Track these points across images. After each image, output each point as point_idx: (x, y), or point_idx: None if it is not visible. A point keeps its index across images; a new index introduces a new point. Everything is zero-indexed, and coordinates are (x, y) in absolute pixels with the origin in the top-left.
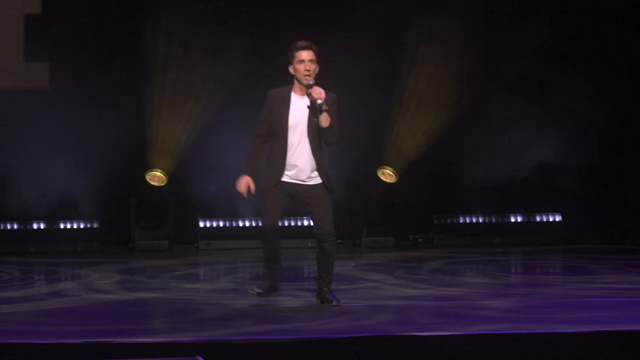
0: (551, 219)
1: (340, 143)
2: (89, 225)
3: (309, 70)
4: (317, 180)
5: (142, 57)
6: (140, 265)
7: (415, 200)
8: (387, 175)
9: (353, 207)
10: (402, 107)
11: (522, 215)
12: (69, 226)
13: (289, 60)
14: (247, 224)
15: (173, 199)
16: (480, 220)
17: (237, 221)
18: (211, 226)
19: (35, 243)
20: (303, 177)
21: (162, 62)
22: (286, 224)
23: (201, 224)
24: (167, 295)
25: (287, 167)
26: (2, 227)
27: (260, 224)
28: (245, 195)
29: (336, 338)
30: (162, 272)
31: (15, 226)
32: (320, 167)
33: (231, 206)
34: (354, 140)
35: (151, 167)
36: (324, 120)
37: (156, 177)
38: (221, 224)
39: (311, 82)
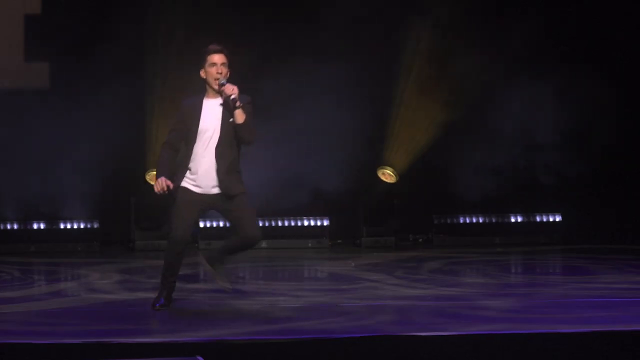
0: (551, 219)
1: (255, 141)
2: (89, 225)
3: (220, 74)
4: (218, 190)
5: (143, 58)
6: (140, 265)
7: (415, 200)
8: (387, 175)
9: (353, 207)
10: (402, 107)
11: (522, 216)
12: (69, 226)
13: (200, 63)
14: None
15: (173, 199)
16: (480, 220)
17: None
18: (211, 226)
19: (35, 243)
20: (208, 184)
21: (163, 62)
22: (286, 224)
23: (201, 224)
24: None
25: (191, 172)
26: (2, 227)
27: (173, 233)
28: (165, 190)
29: (336, 338)
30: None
31: (15, 226)
32: (225, 174)
33: None
34: (353, 140)
35: (151, 168)
36: (239, 116)
37: None
38: (221, 224)
39: (223, 82)
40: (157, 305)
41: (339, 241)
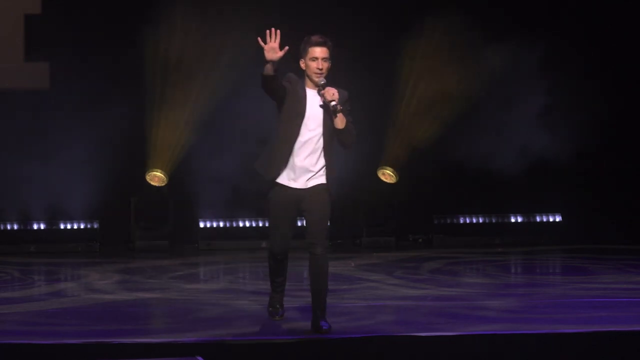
0: (551, 219)
1: (354, 144)
2: (89, 226)
3: (321, 69)
4: (319, 181)
5: (142, 57)
6: (140, 265)
7: (415, 201)
8: (387, 175)
9: (353, 207)
10: (403, 106)
11: (522, 216)
12: (69, 226)
13: (300, 53)
14: (247, 224)
15: (173, 199)
16: (481, 220)
17: (237, 221)
18: (211, 226)
19: (35, 243)
20: (305, 178)
21: (163, 62)
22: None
23: (201, 224)
24: (167, 296)
25: (289, 165)
26: (2, 228)
27: (271, 247)
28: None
29: (336, 338)
30: (162, 272)
31: (15, 226)
32: (329, 169)
33: (231, 206)
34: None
35: (151, 167)
36: (340, 121)
37: (156, 177)
38: (221, 224)
39: (322, 82)
40: (277, 316)
41: (338, 241)
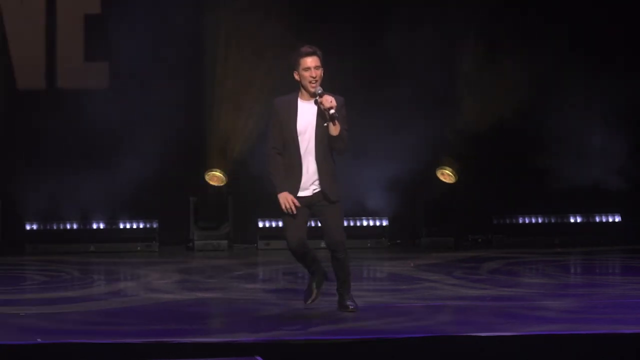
0: (610, 220)
1: (348, 149)
2: (148, 225)
3: (314, 77)
4: (319, 187)
5: (203, 57)
6: (199, 265)
7: (474, 201)
8: (446, 175)
9: (412, 207)
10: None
11: (582, 216)
12: (128, 226)
13: (292, 65)
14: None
15: (232, 199)
16: (540, 220)
17: None
18: (270, 226)
19: (95, 243)
20: (310, 184)
21: (222, 61)
22: (345, 224)
23: (260, 224)
24: (226, 295)
25: (302, 175)
26: (61, 227)
27: (289, 245)
28: (294, 210)
29: (395, 338)
30: (221, 272)
31: (75, 226)
32: (326, 175)
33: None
34: (412, 139)
35: (210, 167)
36: (335, 129)
37: (215, 177)
38: (280, 224)
39: (319, 91)
40: (308, 300)
41: (397, 241)
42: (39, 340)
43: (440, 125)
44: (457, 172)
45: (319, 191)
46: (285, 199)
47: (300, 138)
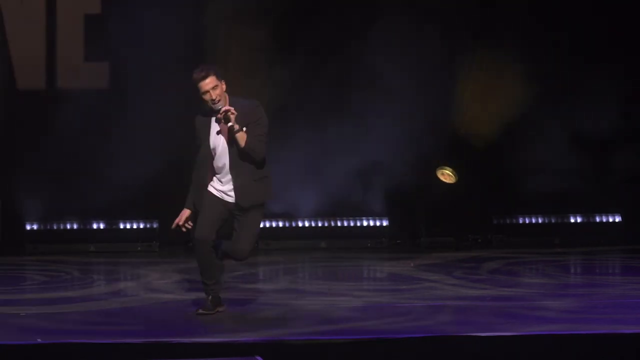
0: (611, 220)
1: (262, 157)
2: (148, 225)
3: (214, 99)
4: (233, 200)
5: (203, 57)
6: None
7: (474, 201)
8: (446, 175)
9: (412, 207)
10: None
11: (582, 216)
12: (128, 226)
13: (196, 94)
14: (307, 224)
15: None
16: (540, 220)
17: (296, 221)
18: (270, 226)
19: (95, 243)
20: (226, 193)
21: (222, 64)
22: (345, 224)
23: (260, 224)
24: (226, 295)
25: (216, 183)
26: (62, 227)
27: (195, 233)
28: (181, 227)
29: (395, 338)
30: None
31: (75, 226)
32: (241, 187)
33: (289, 206)
34: (413, 139)
35: None
36: (241, 140)
37: None
38: (280, 224)
39: (219, 108)
40: (199, 309)
41: (398, 241)
42: (39, 340)
43: (441, 125)
44: (457, 172)
45: (233, 202)
46: (182, 216)
47: (213, 152)
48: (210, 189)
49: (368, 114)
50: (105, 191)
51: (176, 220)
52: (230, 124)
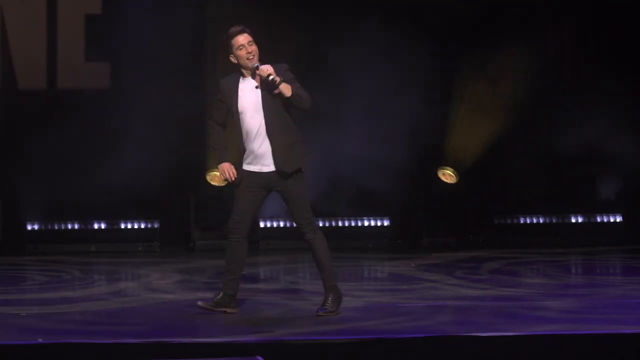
0: (612, 220)
1: (312, 106)
2: (149, 226)
3: (250, 53)
4: (273, 167)
5: (203, 57)
6: (200, 265)
7: (475, 201)
8: (447, 175)
9: (413, 207)
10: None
11: (583, 216)
12: (129, 226)
13: (227, 50)
14: None
15: (231, 199)
16: (541, 220)
17: None
18: (271, 226)
19: (96, 243)
20: (264, 163)
21: (222, 62)
22: (346, 224)
23: (261, 224)
24: None
25: (246, 155)
26: (62, 227)
27: (230, 220)
28: (233, 178)
29: (395, 338)
30: (222, 272)
31: (76, 226)
32: (281, 150)
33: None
34: (414, 139)
35: (211, 168)
36: (286, 90)
37: (216, 177)
38: (281, 224)
39: (256, 65)
40: (200, 301)
41: (398, 241)
42: (39, 340)
43: (441, 125)
44: (458, 172)
45: (273, 171)
46: (223, 170)
47: (243, 118)
48: (244, 167)
49: (368, 114)
50: (106, 191)
51: (224, 177)
52: (271, 77)
